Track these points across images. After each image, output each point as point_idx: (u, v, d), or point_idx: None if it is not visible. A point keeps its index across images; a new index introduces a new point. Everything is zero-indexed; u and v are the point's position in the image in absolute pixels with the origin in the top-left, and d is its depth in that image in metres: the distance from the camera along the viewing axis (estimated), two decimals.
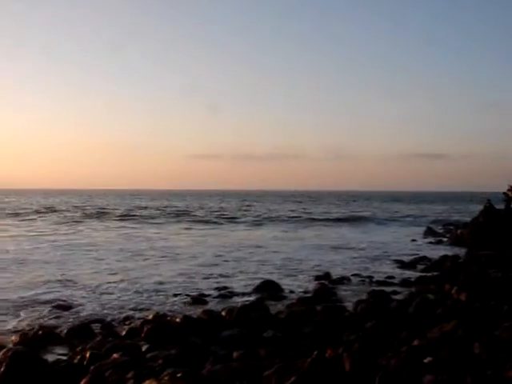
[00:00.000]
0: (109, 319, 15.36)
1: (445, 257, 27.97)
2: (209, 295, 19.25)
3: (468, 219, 38.88)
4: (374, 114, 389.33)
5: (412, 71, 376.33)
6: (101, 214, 69.03)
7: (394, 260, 28.81)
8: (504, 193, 35.49)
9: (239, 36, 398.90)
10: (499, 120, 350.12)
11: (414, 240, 40.80)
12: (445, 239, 39.67)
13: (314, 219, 64.64)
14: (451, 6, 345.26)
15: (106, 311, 16.43)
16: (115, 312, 16.29)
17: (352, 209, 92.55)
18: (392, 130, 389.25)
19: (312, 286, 20.96)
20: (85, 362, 10.76)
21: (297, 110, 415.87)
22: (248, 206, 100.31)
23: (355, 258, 30.11)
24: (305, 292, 19.90)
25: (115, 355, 10.73)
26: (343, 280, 22.51)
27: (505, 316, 13.14)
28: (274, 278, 22.10)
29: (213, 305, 17.57)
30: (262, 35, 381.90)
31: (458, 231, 37.22)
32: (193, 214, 73.51)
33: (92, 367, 10.25)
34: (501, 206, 35.61)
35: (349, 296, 19.08)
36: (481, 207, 36.32)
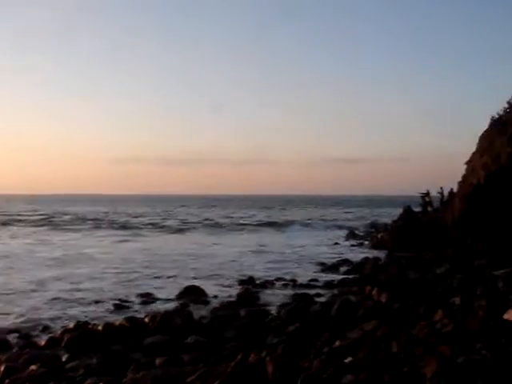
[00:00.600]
0: (26, 330, 14.93)
1: (366, 259, 28.80)
2: (131, 302, 19.08)
3: (389, 222, 40.07)
4: (294, 119, 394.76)
5: (333, 76, 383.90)
6: (13, 221, 66.80)
7: (318, 263, 29.39)
8: (421, 196, 36.88)
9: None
10: (421, 125, 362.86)
11: (336, 243, 41.75)
12: (366, 242, 40.85)
13: (237, 224, 64.98)
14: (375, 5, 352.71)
15: (22, 321, 15.97)
16: (33, 322, 15.85)
17: (274, 213, 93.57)
18: (315, 135, 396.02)
19: (236, 290, 21.12)
20: None
21: (216, 113, 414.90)
22: (170, 212, 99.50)
23: (279, 261, 30.55)
24: (228, 296, 20.02)
25: (33, 367, 10.45)
26: (267, 284, 22.78)
27: (422, 315, 13.71)
28: (198, 283, 22.10)
29: (135, 311, 17.42)
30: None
31: (379, 235, 38.41)
32: (112, 219, 72.28)
33: (7, 381, 9.96)
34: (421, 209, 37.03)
35: (272, 300, 19.31)
36: (401, 211, 37.58)
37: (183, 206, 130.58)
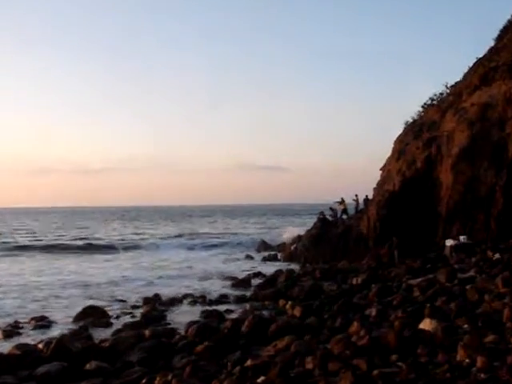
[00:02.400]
0: None
1: (279, 272, 29.14)
2: (23, 327, 18.47)
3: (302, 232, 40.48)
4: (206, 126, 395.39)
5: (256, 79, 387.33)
6: None
7: (228, 277, 29.50)
8: (337, 202, 37.64)
9: None
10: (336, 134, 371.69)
11: (248, 256, 42.21)
12: (280, 253, 41.25)
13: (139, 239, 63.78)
14: None
15: None
16: None
17: (185, 225, 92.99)
18: (229, 142, 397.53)
19: (140, 310, 20.88)
20: None
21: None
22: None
23: (186, 277, 30.55)
24: (132, 317, 19.77)
25: None
26: (174, 301, 22.63)
27: (337, 328, 14.04)
28: (98, 303, 21.72)
29: (28, 337, 16.85)
30: None
31: (292, 246, 38.76)
32: None
33: None
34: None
35: (180, 318, 19.17)
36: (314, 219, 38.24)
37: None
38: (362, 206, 36.30)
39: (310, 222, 41.79)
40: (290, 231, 46.18)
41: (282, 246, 43.43)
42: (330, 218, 37.06)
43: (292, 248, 38.50)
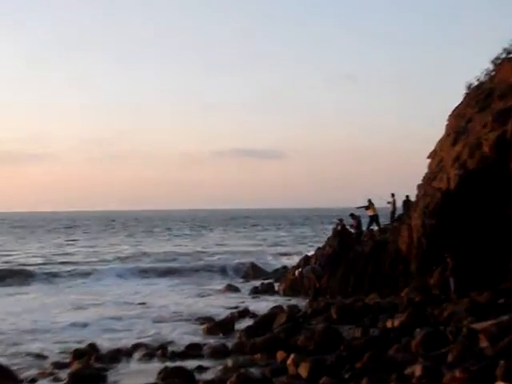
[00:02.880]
0: None
1: (277, 309, 29.02)
2: None
3: (310, 248, 40.06)
4: None
5: None
6: None
7: (201, 318, 29.41)
8: (363, 207, 37.33)
9: None
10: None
11: (232, 287, 41.99)
12: (278, 283, 40.77)
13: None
14: None
15: None
16: None
17: (139, 239, 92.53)
18: None
19: (68, 368, 20.66)
20: None
21: None
22: None
23: (138, 318, 30.53)
24: (55, 379, 19.61)
25: None
26: (119, 355, 22.40)
27: None
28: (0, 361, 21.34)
29: None
30: None
31: (297, 271, 38.04)
32: None
33: None
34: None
35: (128, 380, 19.13)
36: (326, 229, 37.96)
37: None
38: (400, 210, 36.03)
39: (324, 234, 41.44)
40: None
41: (281, 272, 43.12)
42: (351, 230, 36.82)
43: (296, 274, 37.93)
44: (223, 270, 52.39)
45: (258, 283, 42.30)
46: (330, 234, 38.38)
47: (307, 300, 32.84)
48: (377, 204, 37.64)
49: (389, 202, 37.39)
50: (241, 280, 45.72)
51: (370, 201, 37.48)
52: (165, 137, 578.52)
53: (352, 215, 37.50)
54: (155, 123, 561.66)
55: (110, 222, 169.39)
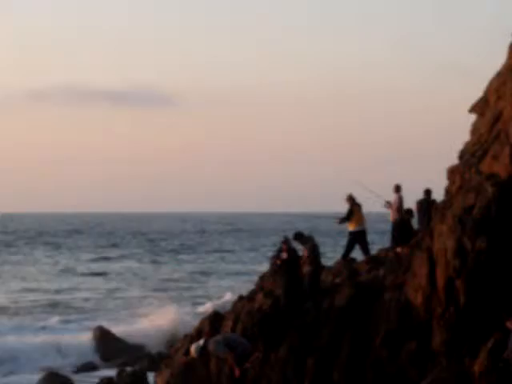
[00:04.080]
0: None
1: None
2: None
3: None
4: None
5: None
6: None
7: None
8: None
9: None
10: None
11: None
12: (155, 374, 25.65)
13: None
14: None
15: None
16: None
17: None
18: None
19: None
20: None
21: None
22: None
23: None
24: None
25: None
26: None
27: None
28: None
29: None
30: None
31: (194, 346, 23.42)
32: None
33: None
34: None
35: None
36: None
37: None
38: (415, 217, 22.93)
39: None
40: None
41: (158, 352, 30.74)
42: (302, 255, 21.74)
43: (193, 353, 22.28)
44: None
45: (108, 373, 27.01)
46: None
47: None
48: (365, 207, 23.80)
49: (388, 203, 23.14)
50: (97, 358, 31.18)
51: (351, 199, 23.01)
52: None
53: (298, 237, 21.96)
54: None
55: None
